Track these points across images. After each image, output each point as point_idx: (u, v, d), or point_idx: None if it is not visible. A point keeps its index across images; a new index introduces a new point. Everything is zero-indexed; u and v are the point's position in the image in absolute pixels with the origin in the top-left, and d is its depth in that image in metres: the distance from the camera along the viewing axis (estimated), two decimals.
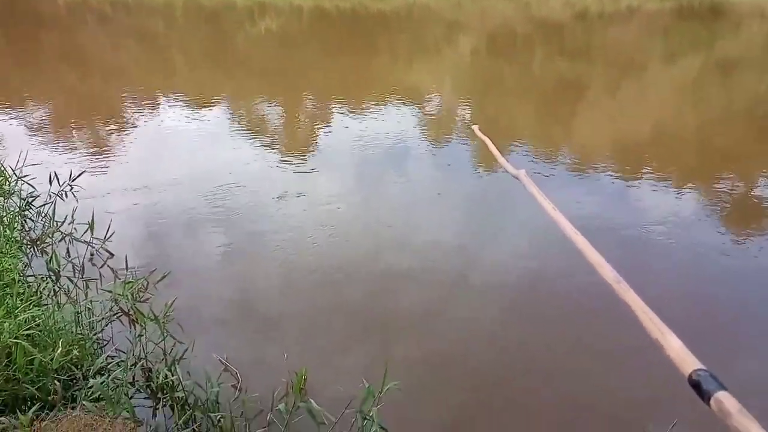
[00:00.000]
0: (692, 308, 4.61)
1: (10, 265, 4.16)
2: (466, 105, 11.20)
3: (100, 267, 4.93)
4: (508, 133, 8.81)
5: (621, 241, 5.61)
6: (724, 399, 0.84)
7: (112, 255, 5.07)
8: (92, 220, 5.08)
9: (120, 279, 4.49)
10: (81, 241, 5.19)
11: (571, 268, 5.08)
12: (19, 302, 3.62)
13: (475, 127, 3.56)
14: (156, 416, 3.40)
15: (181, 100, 10.52)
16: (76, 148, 7.98)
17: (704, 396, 0.88)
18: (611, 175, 7.30)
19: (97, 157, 7.67)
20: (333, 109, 10.28)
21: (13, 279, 3.94)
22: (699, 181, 7.28)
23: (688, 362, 0.95)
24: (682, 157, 8.31)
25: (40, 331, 3.42)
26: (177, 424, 3.20)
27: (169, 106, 10.21)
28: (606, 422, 3.60)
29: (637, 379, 3.85)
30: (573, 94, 11.86)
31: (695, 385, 0.91)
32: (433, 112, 10.49)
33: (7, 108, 9.59)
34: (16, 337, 3.19)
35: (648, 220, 6.10)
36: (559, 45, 16.91)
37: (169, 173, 7.11)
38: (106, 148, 8.06)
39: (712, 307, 4.67)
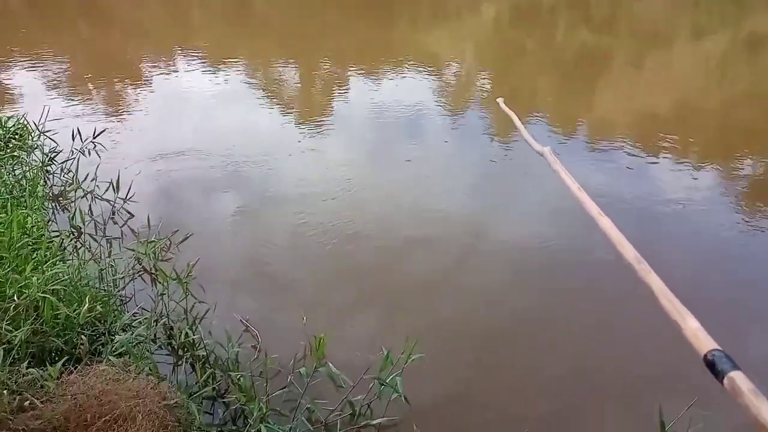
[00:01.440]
0: (711, 287, 4.61)
1: (37, 220, 4.22)
2: (487, 74, 11.06)
3: (122, 226, 5.00)
4: (529, 104, 8.71)
5: (639, 217, 5.59)
6: (737, 378, 0.87)
7: (132, 215, 5.13)
8: (117, 179, 5.14)
9: (139, 238, 4.56)
10: (103, 199, 5.25)
11: (588, 241, 5.08)
12: (46, 257, 3.69)
13: (500, 100, 3.52)
14: (177, 373, 3.49)
15: (199, 60, 10.45)
16: (94, 105, 8.00)
17: (718, 375, 0.92)
18: (631, 150, 7.21)
19: (115, 115, 7.69)
20: (350, 74, 10.19)
21: (41, 235, 4.01)
22: (721, 159, 7.18)
23: (703, 342, 0.98)
24: (704, 134, 8.19)
25: (65, 286, 3.50)
26: (198, 382, 3.29)
27: (188, 65, 10.16)
28: (617, 397, 3.64)
29: (651, 356, 3.88)
30: (596, 67, 11.66)
31: (710, 364, 0.94)
32: (452, 81, 10.37)
33: (26, 62, 9.59)
34: (43, 292, 3.26)
35: (668, 196, 6.05)
36: (585, 15, 16.55)
37: (186, 134, 7.12)
38: (124, 107, 8.07)
39: (732, 287, 4.66)
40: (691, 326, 1.02)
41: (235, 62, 10.49)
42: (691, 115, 9.05)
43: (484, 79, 10.80)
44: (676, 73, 11.76)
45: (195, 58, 10.61)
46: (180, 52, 11.06)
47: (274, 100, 8.71)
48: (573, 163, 6.65)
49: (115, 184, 5.18)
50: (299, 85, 9.85)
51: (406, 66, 10.51)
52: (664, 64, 12.29)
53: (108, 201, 5.23)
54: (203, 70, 9.92)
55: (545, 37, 14.24)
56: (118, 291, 3.95)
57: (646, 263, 1.24)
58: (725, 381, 0.88)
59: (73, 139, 5.55)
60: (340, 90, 9.49)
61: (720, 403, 3.33)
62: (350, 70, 10.35)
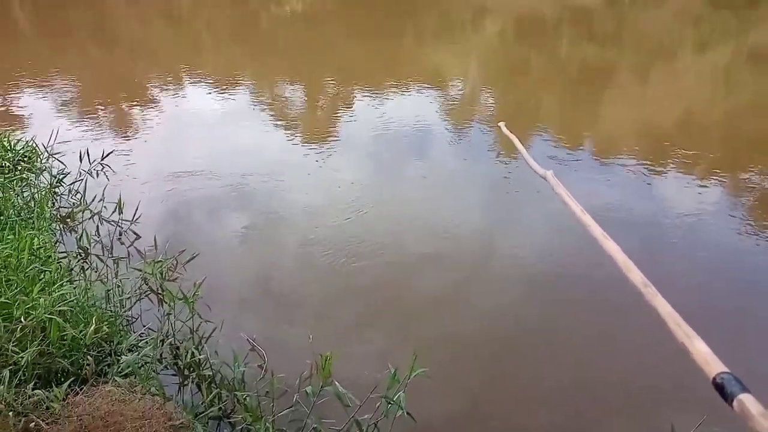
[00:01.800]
0: (716, 305, 4.57)
1: (44, 242, 4.25)
2: (491, 90, 11.10)
3: (129, 246, 5.02)
4: (534, 119, 8.72)
5: (644, 229, 5.57)
6: (747, 401, 0.87)
7: (139, 236, 5.14)
8: (120, 199, 5.17)
9: (146, 259, 4.58)
10: (110, 221, 5.29)
11: (594, 256, 5.06)
12: (54, 279, 3.71)
13: (502, 124, 3.54)
14: (183, 393, 3.48)
15: (206, 80, 10.56)
16: (102, 127, 8.07)
17: (727, 398, 0.91)
18: (636, 164, 7.20)
19: (123, 136, 7.76)
20: (356, 92, 10.25)
21: (48, 256, 4.04)
22: (726, 172, 7.15)
23: (712, 365, 0.98)
24: (709, 147, 8.16)
25: (72, 307, 3.51)
26: (204, 402, 3.28)
27: (195, 85, 10.27)
28: (622, 409, 3.60)
29: (656, 367, 3.84)
30: (601, 81, 11.68)
31: (719, 387, 0.94)
32: (456, 97, 10.41)
33: (34, 84, 9.72)
34: (50, 313, 3.27)
35: (673, 210, 6.03)
36: (588, 30, 16.61)
37: (193, 154, 7.16)
38: (131, 128, 8.15)
39: (739, 304, 4.62)
40: (700, 349, 1.01)
41: (242, 82, 10.59)
42: (696, 128, 9.04)
43: (488, 95, 10.83)
44: (680, 85, 11.76)
45: (202, 78, 10.72)
46: (187, 72, 11.17)
47: (281, 119, 8.77)
48: (578, 178, 6.64)
49: (121, 206, 5.22)
50: (305, 103, 9.92)
51: (411, 83, 10.57)
52: (668, 77, 12.30)
53: (114, 222, 5.26)
54: (210, 90, 10.01)
55: (549, 51, 14.30)
56: (125, 311, 3.96)
57: (652, 287, 1.23)
58: (735, 404, 0.88)
59: (81, 160, 5.61)
60: (346, 108, 9.55)
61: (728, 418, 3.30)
62: (356, 88, 10.42)
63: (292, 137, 8.07)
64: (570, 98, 10.56)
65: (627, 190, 6.61)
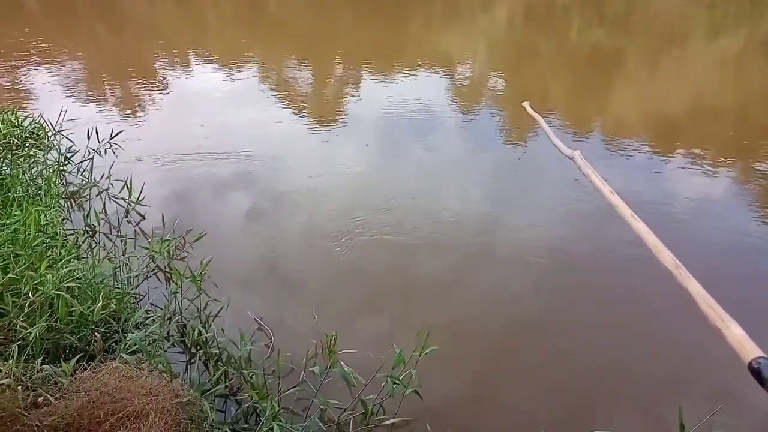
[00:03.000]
0: (728, 290, 4.54)
1: (52, 218, 4.25)
2: (501, 74, 11.00)
3: (136, 225, 5.02)
4: (542, 104, 8.64)
5: (650, 217, 5.52)
6: None
7: (144, 217, 5.13)
8: (130, 180, 5.18)
9: (153, 238, 4.59)
10: (117, 200, 5.29)
11: (602, 241, 5.05)
12: (61, 255, 3.72)
13: (526, 104, 3.51)
14: (190, 371, 3.50)
15: (212, 61, 10.51)
16: (110, 106, 8.05)
17: (765, 383, 0.88)
18: (646, 150, 7.14)
19: (131, 115, 7.74)
20: (363, 75, 10.18)
21: (56, 232, 4.04)
22: (737, 160, 7.08)
23: (748, 349, 0.95)
24: (720, 134, 8.08)
25: (80, 284, 3.52)
26: (210, 380, 3.29)
27: (201, 66, 10.22)
28: (633, 395, 3.59)
29: (668, 356, 3.84)
30: (610, 66, 11.55)
31: (756, 372, 0.91)
32: (465, 81, 10.33)
33: (43, 63, 9.69)
34: (58, 289, 3.28)
35: (681, 196, 5.98)
36: (599, 14, 16.42)
37: (200, 135, 7.13)
38: (139, 107, 8.12)
39: (748, 290, 4.59)
40: (735, 333, 0.99)
41: (249, 62, 10.52)
42: (707, 114, 8.94)
43: (497, 79, 10.74)
44: (691, 71, 11.63)
45: (209, 58, 10.66)
46: (194, 52, 11.11)
47: (288, 100, 8.72)
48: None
49: (129, 185, 5.22)
50: (313, 85, 9.85)
51: (420, 67, 10.48)
52: (679, 63, 12.16)
53: (122, 200, 5.27)
54: (217, 70, 9.97)
55: (559, 36, 14.14)
56: (132, 289, 3.97)
57: (684, 268, 1.21)
58: None
59: (89, 138, 5.60)
60: (353, 90, 9.49)
61: (742, 407, 3.29)
62: (363, 71, 10.34)
63: (300, 119, 8.02)
64: (579, 83, 10.45)
65: (636, 175, 6.56)
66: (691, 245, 5.11)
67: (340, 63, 10.96)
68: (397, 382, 3.03)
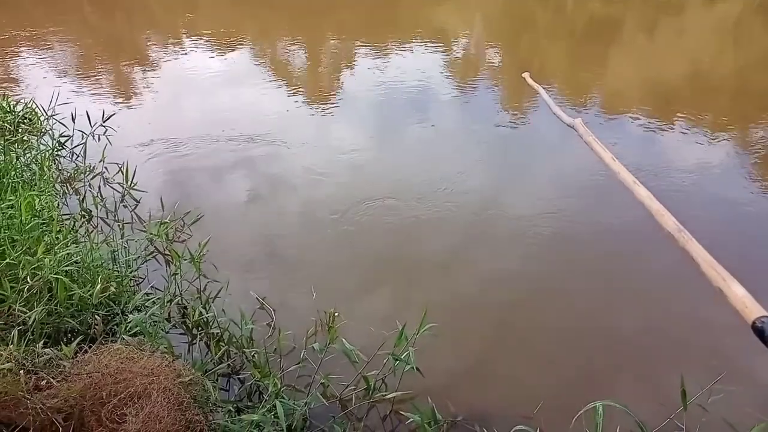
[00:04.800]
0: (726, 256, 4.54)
1: (47, 203, 4.23)
2: (496, 46, 10.89)
3: (133, 209, 5.00)
4: (539, 75, 8.53)
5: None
6: None
7: (138, 202, 5.10)
8: (126, 165, 5.15)
9: (150, 221, 4.57)
10: (113, 185, 5.26)
11: (603, 213, 5.04)
12: (58, 239, 3.70)
13: (526, 75, 3.48)
14: (192, 352, 3.51)
15: (204, 40, 10.37)
16: (102, 89, 7.96)
17: None
18: (644, 120, 7.10)
19: (124, 98, 7.66)
20: (357, 50, 10.07)
21: (51, 217, 4.02)
22: (735, 128, 7.03)
23: (751, 309, 0.94)
24: (717, 103, 8.03)
25: (78, 267, 3.51)
26: (212, 359, 3.30)
27: (194, 45, 10.09)
28: (637, 370, 3.60)
29: (667, 325, 3.85)
30: (608, 35, 11.44)
31: (759, 331, 0.90)
32: (460, 54, 10.22)
33: (32, 46, 9.57)
34: (56, 273, 3.27)
35: (679, 165, 5.96)
36: None
37: (194, 116, 7.08)
38: (132, 90, 8.03)
39: (744, 255, 4.59)
40: (737, 293, 0.98)
41: (242, 42, 10.40)
42: (704, 82, 8.87)
43: (493, 51, 10.63)
44: (689, 38, 11.51)
45: (201, 38, 10.52)
46: (186, 33, 10.98)
47: (283, 79, 8.63)
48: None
49: (124, 169, 5.19)
50: (308, 63, 9.74)
51: (415, 39, 10.37)
52: (676, 30, 12.04)
53: (118, 185, 5.24)
54: (210, 50, 9.84)
55: (555, 7, 13.98)
56: (131, 272, 3.96)
57: (686, 231, 1.19)
58: None
59: (74, 121, 5.56)
60: (348, 66, 9.40)
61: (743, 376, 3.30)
62: (358, 46, 10.23)
63: (294, 97, 7.95)
64: (576, 53, 10.36)
65: (634, 145, 6.53)
66: (689, 211, 5.10)
67: (334, 38, 10.84)
68: (398, 359, 3.03)
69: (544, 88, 3.53)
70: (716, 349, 3.60)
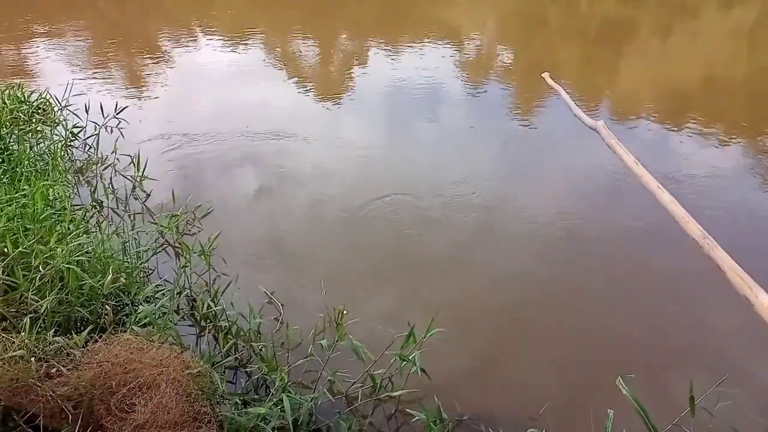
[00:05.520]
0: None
1: (60, 193, 4.27)
2: (508, 46, 10.86)
3: (143, 201, 5.03)
4: (552, 76, 8.54)
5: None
6: None
7: (149, 194, 5.13)
8: (138, 156, 5.17)
9: (161, 213, 4.60)
10: (124, 176, 5.29)
11: (612, 214, 5.02)
12: (70, 229, 3.74)
13: (546, 75, 3.46)
14: (200, 344, 3.53)
15: (217, 34, 10.41)
16: (115, 81, 8.00)
17: None
18: (656, 123, 7.06)
19: (137, 91, 7.70)
20: (368, 47, 10.08)
21: (64, 207, 4.05)
22: (747, 134, 6.98)
23: None
24: (730, 108, 7.97)
25: (90, 258, 3.53)
26: (220, 352, 3.32)
27: (206, 39, 10.12)
28: (644, 374, 3.59)
29: (675, 330, 3.83)
30: (622, 38, 11.38)
31: None
32: (472, 53, 10.20)
33: (47, 38, 9.63)
34: (68, 263, 3.30)
35: (691, 169, 5.91)
36: None
37: (206, 109, 7.11)
38: (145, 82, 8.07)
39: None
40: (763, 302, 0.98)
41: (255, 36, 10.42)
42: (718, 87, 8.81)
43: (505, 50, 10.60)
44: (703, 43, 11.44)
45: (215, 32, 10.57)
46: (199, 26, 11.02)
47: (294, 74, 8.65)
48: (598, 136, 6.51)
49: (136, 161, 5.22)
50: (318, 59, 9.75)
51: (426, 37, 10.36)
52: (691, 35, 11.96)
53: (129, 177, 5.27)
54: (223, 44, 9.88)
55: (569, 8, 13.92)
56: (141, 263, 3.99)
57: (711, 238, 1.19)
58: None
59: (87, 112, 5.60)
60: (358, 64, 9.40)
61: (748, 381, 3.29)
62: (370, 44, 10.24)
63: (305, 93, 7.97)
64: (590, 55, 10.31)
65: (646, 147, 6.48)
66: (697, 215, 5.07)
67: (345, 35, 10.85)
68: (405, 360, 3.04)
69: (547, 91, 3.51)
70: (724, 354, 3.58)
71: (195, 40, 10.19)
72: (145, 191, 5.14)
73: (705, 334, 3.78)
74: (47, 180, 4.36)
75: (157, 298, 3.56)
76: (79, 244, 3.55)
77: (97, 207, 4.74)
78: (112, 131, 5.67)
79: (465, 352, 3.62)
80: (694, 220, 1.05)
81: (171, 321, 3.38)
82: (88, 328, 3.07)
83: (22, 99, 5.99)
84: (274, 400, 2.89)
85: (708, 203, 5.31)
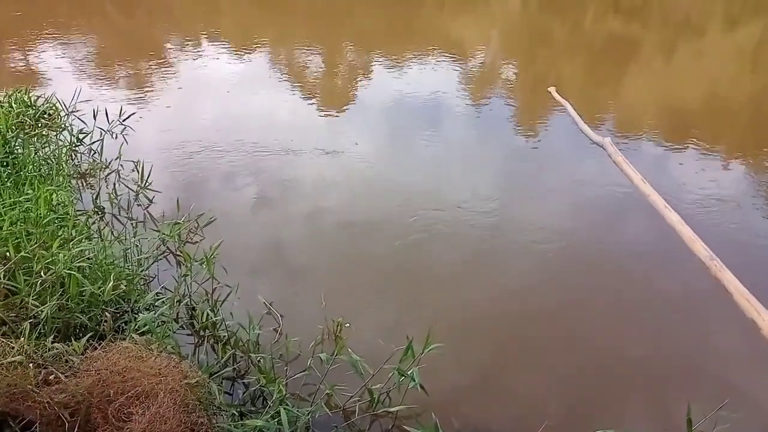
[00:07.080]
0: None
1: (63, 198, 4.28)
2: (512, 61, 10.90)
3: (146, 208, 5.03)
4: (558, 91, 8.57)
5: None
6: None
7: (152, 201, 5.14)
8: (141, 164, 5.19)
9: (163, 222, 4.61)
10: (127, 183, 5.31)
11: (615, 232, 5.02)
12: (72, 235, 3.74)
13: (552, 89, 3.46)
14: (198, 353, 3.52)
15: (224, 44, 10.47)
16: (121, 88, 8.04)
17: None
18: (658, 142, 7.06)
19: (142, 98, 7.72)
20: (374, 60, 10.11)
21: (67, 213, 4.06)
22: (750, 154, 6.99)
23: None
24: (733, 128, 7.99)
25: (91, 264, 3.54)
26: (219, 362, 3.32)
27: (213, 49, 10.17)
28: (643, 394, 3.58)
29: (676, 350, 3.82)
30: (625, 55, 11.41)
31: None
32: (477, 68, 10.24)
33: (54, 43, 9.68)
34: (69, 269, 3.30)
35: (694, 189, 5.90)
36: (614, 2, 16.20)
37: (211, 118, 7.13)
38: (151, 90, 8.10)
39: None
40: None
41: (261, 46, 10.48)
42: (722, 106, 8.83)
43: (509, 66, 10.64)
44: (707, 63, 11.48)
45: (220, 41, 10.62)
46: (206, 35, 11.07)
47: (298, 85, 8.68)
48: (599, 152, 6.51)
49: (139, 168, 5.23)
50: (323, 70, 9.80)
51: (431, 52, 10.40)
52: (695, 54, 12.01)
53: (132, 183, 5.28)
54: (229, 53, 9.92)
55: (573, 23, 13.99)
56: (142, 271, 3.99)
57: (718, 260, 1.20)
58: None
59: (95, 118, 5.62)
60: (363, 76, 9.44)
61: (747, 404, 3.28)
62: (375, 56, 10.28)
63: (309, 104, 7.99)
64: (593, 72, 10.35)
65: (648, 166, 6.48)
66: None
67: (351, 47, 10.90)
68: (404, 374, 3.03)
69: (549, 107, 3.52)
70: (724, 377, 3.57)
71: (201, 48, 10.24)
72: (148, 198, 5.15)
73: (708, 356, 3.76)
74: (51, 185, 4.37)
75: (156, 306, 3.56)
76: (81, 250, 3.56)
77: (100, 213, 4.75)
78: (116, 137, 5.69)
79: (464, 367, 3.61)
80: (701, 240, 1.05)
81: (170, 330, 3.38)
82: (88, 335, 3.07)
83: (29, 103, 6.02)
84: (271, 412, 2.88)
85: (715, 223, 5.30)
